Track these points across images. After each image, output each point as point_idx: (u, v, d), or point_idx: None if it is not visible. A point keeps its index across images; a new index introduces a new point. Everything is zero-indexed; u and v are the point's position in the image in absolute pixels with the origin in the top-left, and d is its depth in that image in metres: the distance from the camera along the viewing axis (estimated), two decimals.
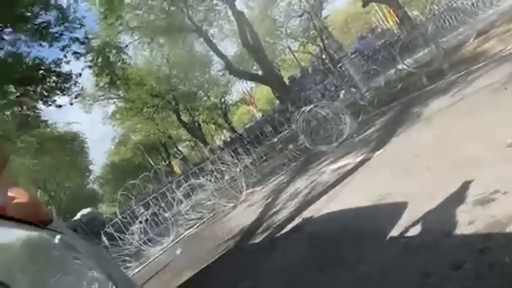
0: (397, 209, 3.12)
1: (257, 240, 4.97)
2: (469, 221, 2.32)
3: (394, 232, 2.81)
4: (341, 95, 13.40)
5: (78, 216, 3.68)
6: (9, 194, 1.62)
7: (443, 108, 5.34)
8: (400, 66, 11.21)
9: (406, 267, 2.33)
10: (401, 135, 5.46)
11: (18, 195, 1.63)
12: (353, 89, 12.16)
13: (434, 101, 6.16)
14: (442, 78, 7.53)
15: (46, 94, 15.79)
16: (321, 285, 2.73)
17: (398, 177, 3.82)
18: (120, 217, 9.03)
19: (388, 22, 27.04)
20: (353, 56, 15.70)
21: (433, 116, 5.28)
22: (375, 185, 4.02)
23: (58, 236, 1.73)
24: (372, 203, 3.51)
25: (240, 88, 34.41)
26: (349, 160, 5.79)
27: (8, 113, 16.10)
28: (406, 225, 2.77)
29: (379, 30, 28.98)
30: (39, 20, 14.95)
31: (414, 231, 2.67)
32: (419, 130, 5.07)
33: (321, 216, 4.15)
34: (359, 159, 5.50)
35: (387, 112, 8.09)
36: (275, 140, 12.51)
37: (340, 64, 14.43)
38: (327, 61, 25.39)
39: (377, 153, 5.25)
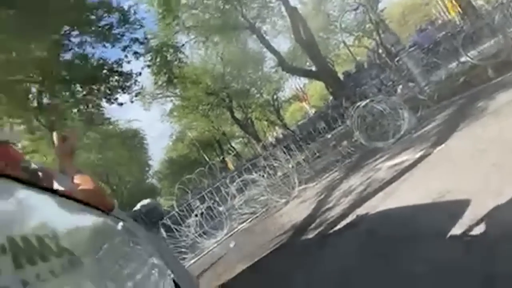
0: (459, 206, 2.95)
1: (309, 236, 4.94)
2: None
3: (455, 230, 2.67)
4: (399, 90, 12.88)
5: (138, 206, 3.87)
6: (75, 181, 1.72)
7: (511, 101, 4.98)
8: (463, 59, 10.56)
9: (467, 268, 2.20)
10: (464, 130, 5.15)
11: (83, 182, 1.73)
12: (411, 84, 11.65)
13: (501, 94, 5.74)
14: (510, 70, 7.00)
15: (109, 92, 16.75)
16: (376, 283, 2.65)
17: (461, 173, 3.61)
18: (177, 210, 9.35)
19: (449, 13, 25.56)
20: (411, 49, 15.05)
21: (500, 110, 4.92)
22: (435, 181, 3.83)
23: (120, 223, 1.83)
24: (432, 200, 3.35)
25: (293, 84, 34.22)
26: (407, 156, 5.56)
27: (75, 110, 17.27)
28: (469, 223, 2.62)
29: (439, 21, 27.47)
30: (102, 23, 15.89)
31: (477, 230, 2.51)
32: (484, 125, 4.75)
33: (376, 213, 4.03)
34: (418, 155, 5.27)
35: (449, 106, 7.66)
36: (329, 136, 12.34)
37: (397, 58, 13.89)
38: (383, 55, 24.53)
39: (438, 148, 5.00)
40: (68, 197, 1.33)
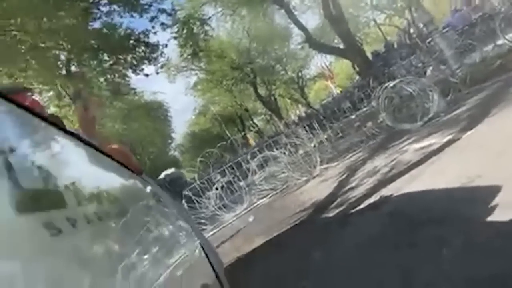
0: (489, 192, 2.87)
1: (330, 215, 4.94)
2: None
3: (484, 216, 2.61)
4: (429, 72, 12.49)
5: (162, 175, 3.94)
6: (104, 145, 1.75)
7: None
8: (500, 41, 10.12)
9: (494, 254, 2.16)
10: (496, 116, 4.97)
11: (113, 147, 1.76)
12: (442, 66, 11.26)
13: None
14: None
15: (135, 63, 16.87)
16: (397, 264, 2.63)
17: (491, 159, 3.50)
18: (198, 182, 9.48)
19: None
20: (445, 30, 14.47)
21: None
22: (463, 166, 3.73)
23: (149, 187, 1.86)
24: (460, 185, 3.27)
25: (318, 62, 33.66)
26: (435, 140, 5.42)
27: (102, 79, 17.51)
28: (498, 210, 2.55)
29: (476, 1, 26.21)
30: None
31: (507, 217, 2.45)
32: None
33: (401, 195, 3.98)
34: (446, 139, 5.13)
35: (481, 90, 7.39)
36: (353, 117, 12.13)
37: (429, 39, 13.41)
38: (414, 35, 23.71)
39: (468, 133, 4.85)
40: (102, 151, 1.35)
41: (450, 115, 6.76)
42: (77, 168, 1.00)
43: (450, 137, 5.14)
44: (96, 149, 1.27)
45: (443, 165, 4.18)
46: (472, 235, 2.47)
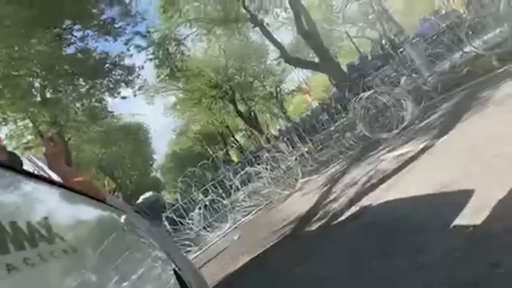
0: (462, 197, 2.95)
1: (313, 228, 4.95)
2: None
3: (459, 221, 2.67)
4: (402, 81, 12.81)
5: (140, 199, 3.89)
6: (68, 175, 1.74)
7: None
8: (467, 49, 10.49)
9: (471, 257, 2.21)
10: (467, 121, 5.12)
11: (76, 176, 1.75)
12: (414, 75, 11.57)
13: (506, 84, 5.70)
14: None
15: (112, 86, 16.78)
16: (379, 274, 2.66)
17: (464, 165, 3.60)
18: (181, 203, 9.40)
19: (453, 2, 25.27)
20: (415, 40, 14.92)
21: (504, 101, 4.89)
22: (438, 173, 3.82)
23: (123, 216, 1.84)
24: (435, 191, 3.34)
25: (296, 77, 34.15)
26: (410, 148, 5.54)
27: (78, 105, 17.32)
28: (472, 214, 2.61)
29: (443, 11, 27.21)
30: (104, 16, 15.88)
31: (481, 220, 2.51)
32: (488, 116, 4.72)
33: (380, 205, 4.03)
34: (421, 146, 5.25)
35: (452, 97, 7.62)
36: (332, 128, 12.29)
37: (401, 49, 13.81)
38: (387, 46, 24.36)
39: (441, 140, 4.98)
40: (70, 189, 1.34)
41: (424, 122, 6.92)
42: (47, 206, 0.99)
43: (424, 144, 5.26)
44: (61, 186, 1.26)
45: (419, 173, 4.27)
46: (449, 240, 2.53)
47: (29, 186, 0.97)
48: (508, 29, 8.79)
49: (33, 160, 2.04)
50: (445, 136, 5.02)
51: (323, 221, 4.89)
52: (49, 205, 0.98)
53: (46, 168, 2.00)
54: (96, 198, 1.60)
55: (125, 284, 1.20)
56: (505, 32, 8.87)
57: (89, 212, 1.39)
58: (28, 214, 0.75)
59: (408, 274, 2.42)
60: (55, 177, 1.76)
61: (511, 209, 2.40)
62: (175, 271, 1.99)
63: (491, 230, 2.35)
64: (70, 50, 15.95)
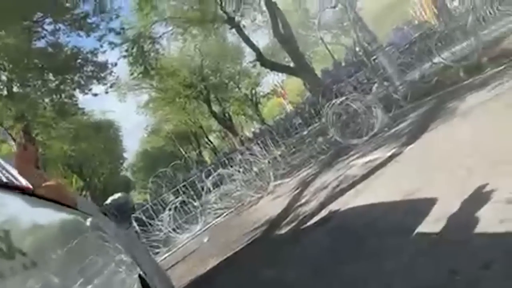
0: (426, 204, 3.05)
1: (283, 231, 5.00)
2: (500, 220, 2.24)
3: (422, 228, 2.76)
4: (374, 88, 13.12)
5: (109, 200, 3.82)
6: (38, 179, 1.71)
7: (480, 104, 5.14)
8: (436, 59, 10.84)
9: (432, 264, 2.29)
10: (434, 130, 5.31)
11: (46, 180, 1.71)
12: (386, 83, 11.87)
13: (471, 96, 5.93)
14: (480, 73, 7.23)
15: (83, 83, 16.38)
16: (345, 278, 2.72)
17: (429, 173, 3.73)
18: (150, 204, 9.27)
19: (425, 13, 26.06)
20: (387, 48, 15.31)
21: (470, 112, 5.09)
22: (404, 180, 3.94)
23: (89, 219, 1.81)
24: (401, 198, 3.45)
25: (271, 80, 34.32)
26: (379, 154, 5.69)
27: (47, 100, 16.81)
28: (435, 221, 2.71)
29: (416, 22, 28.03)
30: (77, 11, 15.48)
31: (443, 227, 2.60)
32: (454, 126, 4.90)
33: (348, 210, 4.12)
34: (389, 153, 5.39)
35: (421, 106, 7.86)
36: (305, 132, 12.44)
37: (374, 57, 14.12)
38: (360, 53, 24.86)
39: (408, 148, 5.13)
40: (33, 194, 1.32)
41: (393, 130, 7.11)
42: (9, 214, 0.98)
43: (393, 151, 5.41)
44: (25, 192, 1.24)
45: (386, 179, 4.39)
46: (412, 246, 2.61)
47: None
48: (474, 43, 9.15)
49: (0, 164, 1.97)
50: (413, 144, 5.18)
51: (293, 224, 4.94)
52: (9, 212, 0.96)
53: (13, 171, 1.94)
54: (64, 202, 1.57)
55: (89, 287, 1.19)
56: (472, 45, 9.23)
57: (52, 218, 1.37)
58: None
59: (372, 279, 2.48)
60: (23, 181, 1.71)
61: (471, 218, 2.50)
62: (140, 276, 1.98)
63: (451, 237, 2.45)
64: (41, 43, 15.48)
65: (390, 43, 22.32)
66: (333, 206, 4.52)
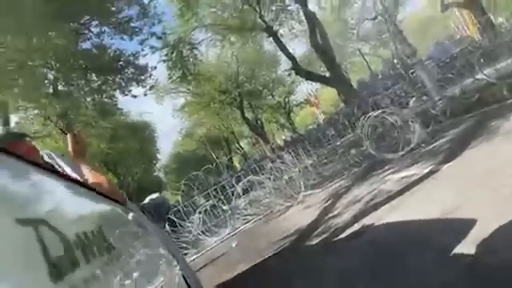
0: (465, 225, 2.97)
1: (313, 242, 4.97)
2: None
3: (460, 248, 2.69)
4: (411, 103, 12.84)
5: (147, 200, 3.96)
6: (87, 174, 1.81)
7: None
8: (479, 76, 10.51)
9: (469, 286, 2.23)
10: (475, 148, 5.14)
11: (97, 177, 1.81)
12: (424, 97, 11.60)
13: None
14: None
15: (123, 84, 16.95)
16: None
17: (469, 192, 3.62)
18: (182, 205, 9.43)
19: (468, 28, 25.28)
20: (427, 62, 14.96)
21: None
22: (442, 198, 3.84)
23: (131, 213, 1.89)
24: (438, 216, 3.37)
25: (305, 89, 34.24)
26: (416, 171, 5.56)
27: (89, 99, 17.50)
28: (474, 243, 2.64)
29: (458, 36, 27.25)
30: (122, 15, 16.08)
31: (482, 250, 2.53)
32: (496, 145, 4.74)
33: (382, 225, 4.05)
34: (426, 170, 5.27)
35: (461, 123, 7.64)
36: (338, 143, 12.32)
37: (412, 70, 13.85)
38: (398, 66, 24.40)
39: (447, 165, 5.00)
40: (83, 184, 1.39)
41: (431, 146, 6.93)
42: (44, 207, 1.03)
43: (430, 168, 5.28)
44: (79, 183, 1.31)
45: (423, 196, 4.29)
46: (447, 266, 2.55)
47: (38, 177, 1.01)
48: None
49: (53, 157, 2.10)
50: (452, 162, 5.04)
51: (324, 236, 4.91)
52: (55, 200, 1.00)
53: (64, 165, 2.07)
54: (113, 197, 1.65)
55: (128, 281, 1.24)
56: None
57: (97, 208, 1.43)
58: (36, 207, 0.78)
59: None
60: (73, 174, 1.82)
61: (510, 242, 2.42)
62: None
63: (489, 261, 2.38)
64: (86, 45, 16.19)
65: (430, 57, 21.76)
66: (366, 220, 4.47)
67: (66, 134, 2.08)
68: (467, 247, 2.65)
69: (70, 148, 1.92)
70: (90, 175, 1.76)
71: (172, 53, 19.64)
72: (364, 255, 3.55)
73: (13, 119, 15.93)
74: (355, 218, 4.83)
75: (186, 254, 8.14)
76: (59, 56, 13.88)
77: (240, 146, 42.78)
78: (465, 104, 9.12)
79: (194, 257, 8.18)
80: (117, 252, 1.19)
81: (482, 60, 10.89)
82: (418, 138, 7.36)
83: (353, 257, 3.64)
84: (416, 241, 3.20)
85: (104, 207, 1.51)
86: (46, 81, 15.63)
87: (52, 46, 13.30)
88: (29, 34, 12.48)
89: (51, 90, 15.50)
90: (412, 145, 7.28)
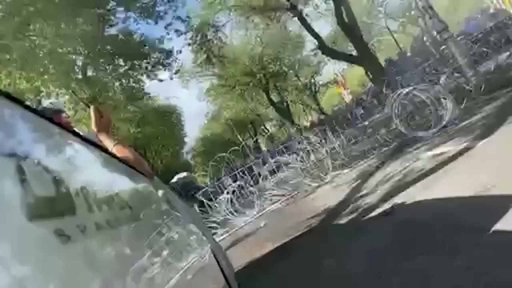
0: (504, 202, 2.84)
1: (342, 221, 4.92)
2: None
3: (499, 226, 2.58)
4: (443, 79, 12.39)
5: (175, 179, 4.00)
6: (116, 151, 1.78)
7: None
8: None
9: (508, 264, 2.14)
10: (511, 125, 4.91)
11: (124, 152, 1.79)
12: (456, 74, 11.15)
13: None
14: None
15: (150, 68, 17.12)
16: (411, 273, 2.61)
17: (506, 168, 3.46)
18: (210, 186, 9.53)
19: (503, 1, 23.99)
20: (459, 38, 14.33)
21: None
22: (478, 175, 3.69)
23: (161, 191, 1.89)
24: (474, 194, 3.24)
25: (331, 69, 33.66)
26: (449, 148, 5.38)
27: (117, 84, 17.80)
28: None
29: (491, 10, 25.93)
30: (146, 0, 16.12)
31: None
32: None
33: (414, 203, 3.95)
34: (460, 147, 5.08)
35: (497, 98, 7.30)
36: (366, 123, 12.07)
37: (443, 47, 13.31)
38: (428, 43, 23.54)
39: (483, 141, 4.80)
40: (115, 156, 1.38)
41: (464, 123, 6.69)
42: (89, 173, 1.02)
43: (464, 145, 5.09)
44: (109, 153, 1.30)
45: (457, 174, 4.15)
46: (485, 244, 2.46)
47: (72, 149, 1.00)
48: None
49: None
50: (487, 139, 4.84)
51: (354, 215, 4.84)
52: (90, 172, 1.00)
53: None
54: (142, 171, 1.65)
55: (165, 252, 1.23)
56: None
57: (128, 184, 1.42)
58: (69, 180, 0.75)
59: (438, 275, 2.37)
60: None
61: None
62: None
63: None
64: (112, 31, 16.39)
65: (462, 32, 20.86)
66: (397, 199, 4.37)
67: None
68: (506, 224, 2.53)
69: (93, 123, 1.87)
70: (115, 150, 1.72)
71: (196, 36, 19.63)
72: (395, 233, 3.47)
73: (45, 104, 16.40)
74: (386, 197, 4.73)
75: (214, 234, 8.26)
76: (87, 42, 14.11)
77: (266, 128, 42.74)
78: (501, 79, 8.72)
79: (222, 236, 8.29)
80: (145, 229, 1.18)
81: None
82: (451, 115, 7.10)
83: (383, 236, 3.58)
84: (450, 218, 3.10)
85: (134, 181, 1.50)
86: (75, 67, 15.99)
87: (79, 32, 13.54)
88: (57, 21, 12.72)
89: (80, 76, 15.86)
90: (444, 122, 7.04)
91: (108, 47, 15.64)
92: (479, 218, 2.84)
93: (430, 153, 5.74)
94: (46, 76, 14.18)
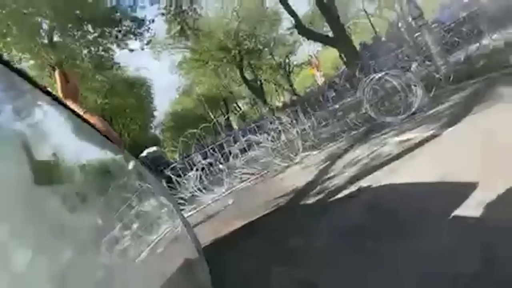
0: (466, 188, 2.95)
1: (309, 202, 4.99)
2: None
3: (460, 211, 2.68)
4: (414, 67, 12.62)
5: (144, 153, 3.90)
6: (85, 112, 1.69)
7: None
8: (485, 41, 10.29)
9: (468, 248, 2.23)
10: (478, 114, 5.07)
11: (93, 121, 1.70)
12: (427, 62, 11.38)
13: None
14: None
15: (120, 37, 16.50)
16: (376, 254, 2.69)
17: (470, 156, 3.58)
18: (179, 162, 9.42)
19: None
20: (433, 25, 14.56)
21: None
22: (443, 161, 3.82)
23: (132, 162, 1.82)
24: (438, 180, 3.35)
25: (306, 50, 33.64)
26: (416, 134, 5.52)
27: (85, 52, 17.08)
28: (474, 206, 2.62)
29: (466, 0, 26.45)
30: None
31: (482, 213, 2.52)
32: (499, 111, 4.66)
33: (380, 187, 4.04)
34: (427, 134, 5.22)
35: (465, 88, 7.51)
36: (337, 106, 12.19)
37: (417, 34, 13.50)
38: (402, 29, 23.83)
39: (449, 129, 4.95)
40: (87, 122, 1.31)
41: (432, 110, 6.86)
42: (61, 138, 0.97)
43: (431, 132, 5.23)
44: (83, 119, 1.23)
45: (423, 160, 4.27)
46: (446, 228, 2.55)
47: (42, 112, 0.95)
48: None
49: None
50: (453, 127, 4.98)
51: (321, 196, 4.92)
52: (56, 141, 0.95)
53: None
54: (111, 139, 1.58)
55: (135, 225, 1.20)
56: None
57: (100, 153, 1.37)
58: (36, 151, 0.72)
59: (402, 258, 2.45)
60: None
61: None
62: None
63: (491, 224, 2.37)
64: None
65: (436, 20, 21.24)
66: (364, 182, 4.46)
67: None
68: (467, 210, 2.63)
69: (59, 88, 1.72)
70: (87, 114, 1.63)
71: (170, 6, 19.01)
72: (360, 215, 3.56)
73: None
74: (353, 180, 4.83)
75: (182, 210, 8.22)
76: (54, 4, 13.37)
77: (238, 106, 42.54)
78: (470, 69, 8.97)
79: (190, 213, 8.27)
80: (115, 201, 1.14)
81: (490, 25, 10.64)
82: (420, 102, 7.26)
83: (349, 218, 3.66)
84: (414, 203, 3.20)
85: (105, 150, 1.45)
86: (41, 31, 15.17)
87: None
88: None
89: (46, 40, 15.08)
90: (413, 109, 7.20)
91: (77, 11, 14.88)
92: (441, 203, 2.94)
93: (397, 139, 5.87)
94: (8, 39, 13.41)
